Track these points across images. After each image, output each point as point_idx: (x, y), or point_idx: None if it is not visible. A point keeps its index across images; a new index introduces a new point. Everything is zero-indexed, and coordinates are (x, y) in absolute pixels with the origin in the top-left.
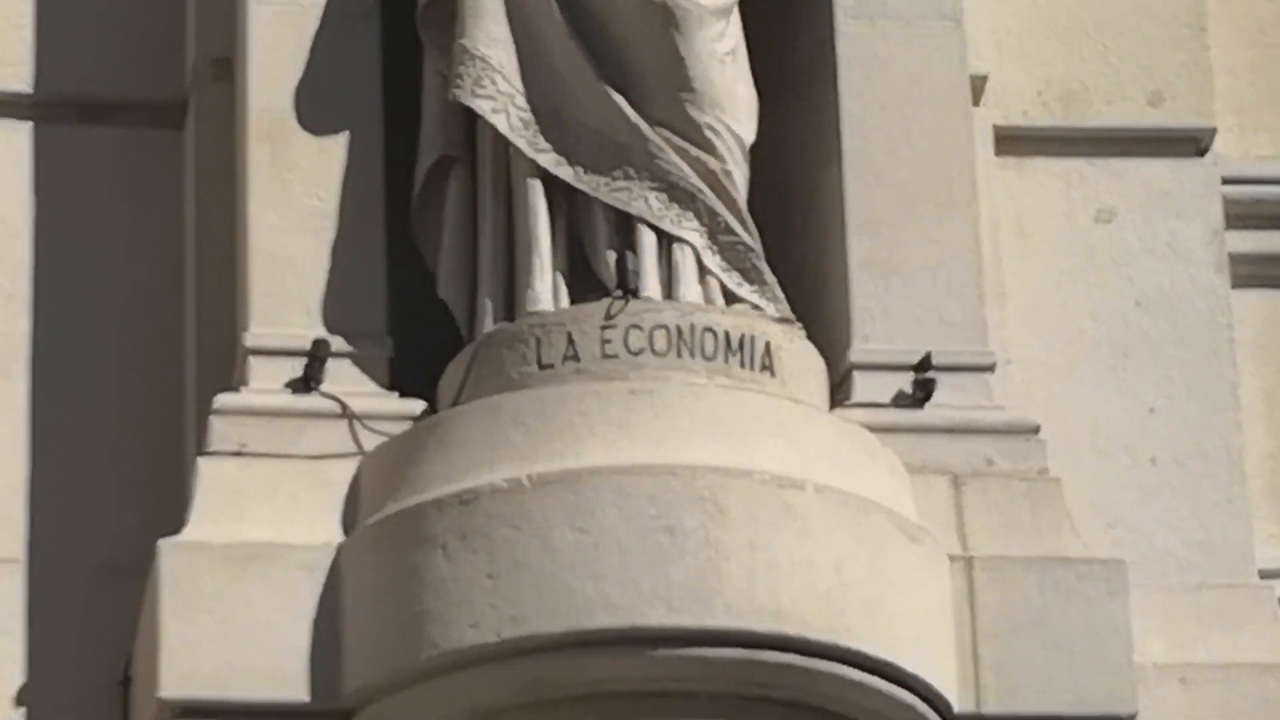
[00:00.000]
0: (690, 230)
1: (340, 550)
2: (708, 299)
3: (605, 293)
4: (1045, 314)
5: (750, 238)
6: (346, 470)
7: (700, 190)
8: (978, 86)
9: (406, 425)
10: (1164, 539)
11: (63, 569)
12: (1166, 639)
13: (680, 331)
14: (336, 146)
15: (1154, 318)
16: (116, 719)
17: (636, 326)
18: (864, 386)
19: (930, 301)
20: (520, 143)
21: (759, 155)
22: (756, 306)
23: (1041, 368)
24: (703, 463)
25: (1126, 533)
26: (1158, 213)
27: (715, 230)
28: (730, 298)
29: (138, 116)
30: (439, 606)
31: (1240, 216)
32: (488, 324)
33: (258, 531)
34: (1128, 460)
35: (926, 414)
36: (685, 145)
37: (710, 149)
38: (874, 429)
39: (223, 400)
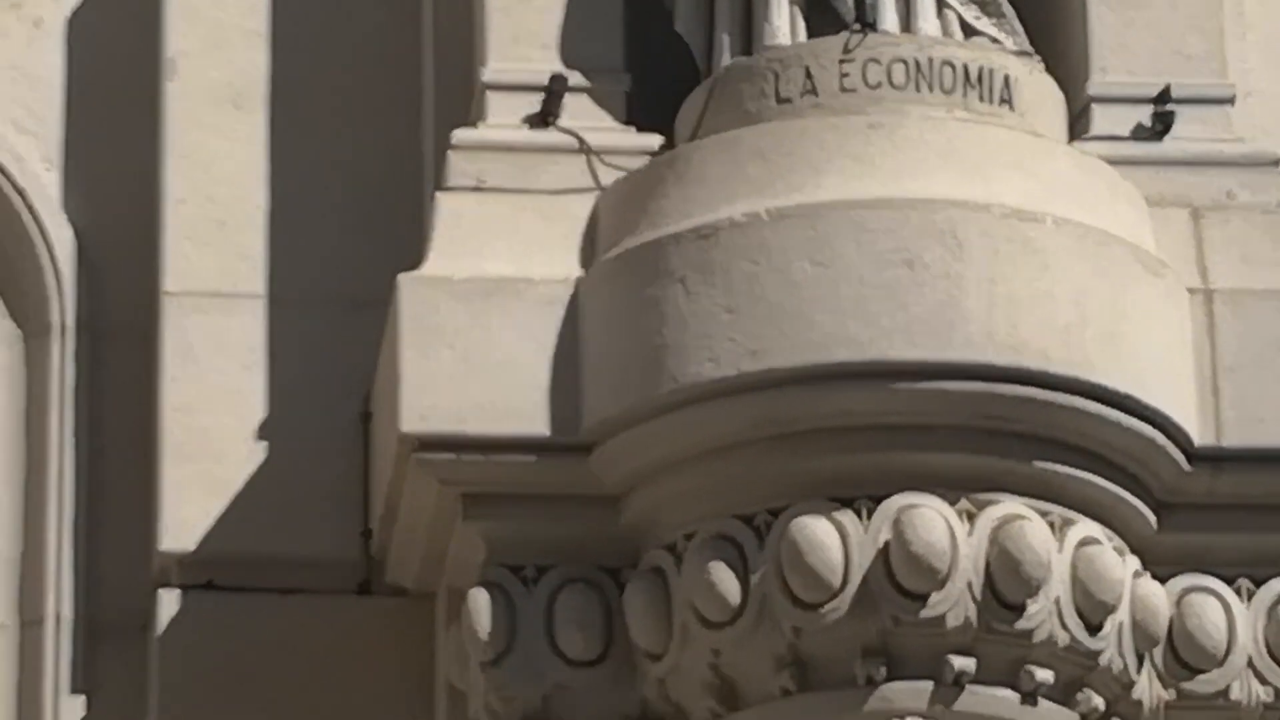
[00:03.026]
0: None
1: (579, 284)
2: (946, 32)
3: (842, 27)
4: None
5: None
6: (584, 205)
7: None
8: None
9: (644, 160)
10: None
11: (303, 303)
12: None
13: (919, 65)
14: None
15: None
16: (357, 453)
17: (874, 60)
18: (1102, 119)
19: (1169, 33)
20: None
21: None
22: (995, 39)
23: None
24: (941, 196)
25: None
26: None
27: None
28: (968, 30)
29: None
30: (678, 341)
31: None
32: (725, 58)
33: (497, 266)
34: None
35: (1166, 147)
36: None
37: None
38: (1113, 162)
39: (461, 135)
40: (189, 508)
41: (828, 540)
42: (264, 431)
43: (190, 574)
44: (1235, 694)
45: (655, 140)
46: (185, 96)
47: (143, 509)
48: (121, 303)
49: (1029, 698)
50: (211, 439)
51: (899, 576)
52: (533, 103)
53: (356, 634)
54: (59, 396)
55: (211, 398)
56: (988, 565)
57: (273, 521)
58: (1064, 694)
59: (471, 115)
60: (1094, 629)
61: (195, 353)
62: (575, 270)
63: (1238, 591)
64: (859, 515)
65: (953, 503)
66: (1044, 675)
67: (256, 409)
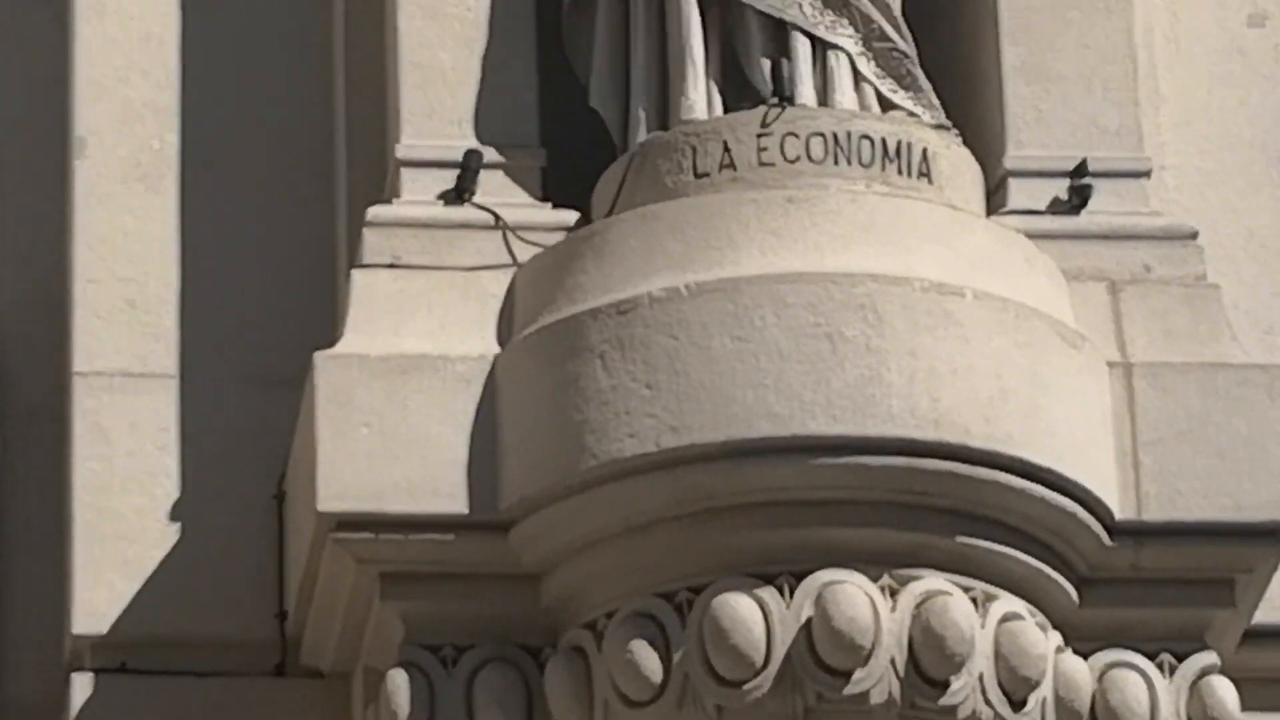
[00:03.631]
0: (844, 37)
1: (497, 362)
2: (863, 105)
3: (759, 101)
4: (1199, 120)
5: (905, 44)
6: (501, 281)
7: None
8: None
9: (560, 236)
10: None
11: (216, 383)
12: None
13: (837, 138)
14: None
15: None
16: (272, 533)
17: (793, 134)
18: (1019, 193)
19: (1085, 107)
20: None
21: None
22: (912, 113)
23: (1196, 174)
24: (862, 270)
25: None
26: None
27: (870, 37)
28: (886, 104)
29: None
30: (598, 417)
31: None
32: (642, 133)
33: (413, 343)
34: None
35: (1083, 220)
36: None
37: None
38: (1030, 235)
39: (376, 212)
40: (102, 590)
41: (750, 617)
42: (177, 512)
43: (104, 657)
44: None
45: (571, 216)
46: (95, 175)
47: (55, 591)
48: (32, 383)
49: None
50: (124, 520)
51: (822, 653)
52: (448, 179)
53: (273, 716)
54: None
55: (123, 479)
56: (911, 641)
57: (187, 603)
58: None
59: (386, 192)
60: (1017, 705)
61: (107, 433)
62: (492, 347)
63: (1160, 666)
64: (781, 592)
65: (875, 578)
66: None
67: (169, 490)
